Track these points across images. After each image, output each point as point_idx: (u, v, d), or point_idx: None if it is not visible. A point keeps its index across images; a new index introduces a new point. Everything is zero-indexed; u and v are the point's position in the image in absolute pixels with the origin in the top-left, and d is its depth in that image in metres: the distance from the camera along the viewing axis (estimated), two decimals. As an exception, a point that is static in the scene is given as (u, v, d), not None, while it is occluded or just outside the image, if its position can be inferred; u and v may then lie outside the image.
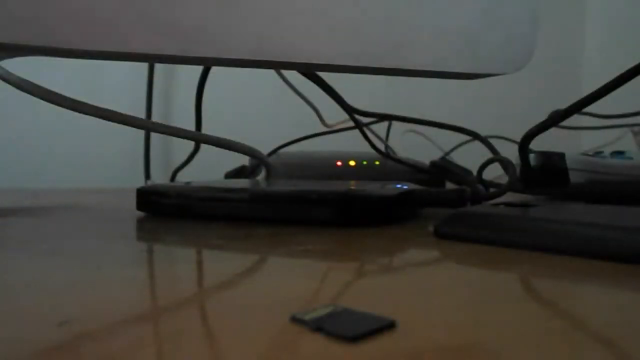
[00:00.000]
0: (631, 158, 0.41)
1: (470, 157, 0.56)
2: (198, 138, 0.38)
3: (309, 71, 0.40)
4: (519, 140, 0.32)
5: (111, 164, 0.71)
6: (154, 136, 0.72)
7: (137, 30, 0.23)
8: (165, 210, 0.31)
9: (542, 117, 0.32)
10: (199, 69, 0.42)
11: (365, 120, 0.49)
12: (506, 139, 0.64)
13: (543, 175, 0.39)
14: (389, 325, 0.12)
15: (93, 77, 0.70)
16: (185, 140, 0.44)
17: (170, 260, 0.20)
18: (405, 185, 0.31)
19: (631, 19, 0.87)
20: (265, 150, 0.47)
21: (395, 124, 0.56)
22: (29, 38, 0.21)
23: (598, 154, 0.44)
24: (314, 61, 0.25)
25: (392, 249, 0.21)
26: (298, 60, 0.25)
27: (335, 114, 0.53)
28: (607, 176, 0.40)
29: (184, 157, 0.53)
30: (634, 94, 0.50)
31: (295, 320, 0.12)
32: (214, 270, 0.18)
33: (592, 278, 0.16)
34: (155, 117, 0.73)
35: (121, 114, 0.32)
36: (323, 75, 0.39)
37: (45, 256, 0.20)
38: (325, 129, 0.56)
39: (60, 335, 0.11)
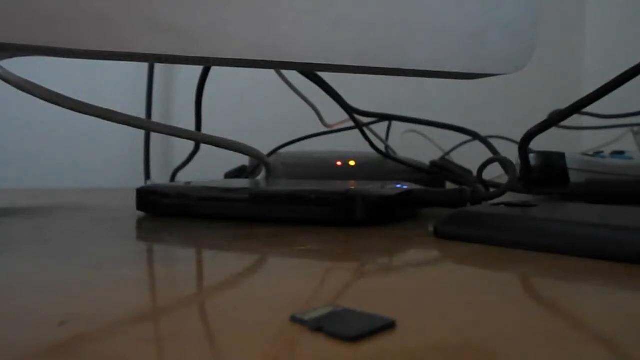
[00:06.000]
0: (631, 158, 0.41)
1: (470, 157, 0.56)
2: (198, 138, 0.38)
3: (309, 71, 0.40)
4: (519, 140, 0.32)
5: (111, 164, 0.71)
6: (154, 136, 0.72)
7: (137, 30, 0.23)
8: (165, 210, 0.31)
9: (542, 117, 0.32)
10: (199, 69, 0.42)
11: (365, 120, 0.49)
12: (506, 139, 0.64)
13: (543, 175, 0.39)
14: (389, 325, 0.12)
15: (93, 77, 0.70)
16: (185, 140, 0.44)
17: (170, 260, 0.20)
18: (405, 185, 0.31)
19: (631, 19, 0.87)
20: (265, 150, 0.47)
21: (395, 124, 0.56)
22: (29, 38, 0.21)
23: (598, 154, 0.44)
24: (314, 61, 0.25)
25: (392, 249, 0.21)
26: (298, 60, 0.25)
27: (335, 114, 0.53)
28: (607, 176, 0.40)
29: (184, 157, 0.53)
30: (634, 94, 0.50)
31: (295, 320, 0.12)
32: (214, 270, 0.18)
33: (592, 278, 0.16)
34: (155, 117, 0.73)
35: (121, 114, 0.32)
36: (323, 75, 0.39)
37: (45, 256, 0.20)
38: (325, 129, 0.56)
39: (60, 335, 0.11)
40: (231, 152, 0.38)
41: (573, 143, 0.85)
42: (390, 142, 0.60)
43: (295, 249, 0.21)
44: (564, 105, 0.30)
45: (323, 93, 0.41)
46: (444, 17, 0.27)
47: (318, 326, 0.11)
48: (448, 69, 0.27)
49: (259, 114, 0.76)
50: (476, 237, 0.22)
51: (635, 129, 0.61)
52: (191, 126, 0.42)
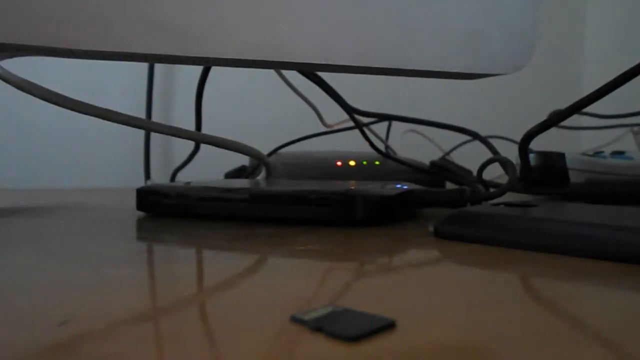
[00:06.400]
0: (631, 158, 0.41)
1: (470, 157, 0.56)
2: (198, 138, 0.38)
3: (309, 71, 0.40)
4: (519, 140, 0.32)
5: (111, 164, 0.71)
6: (154, 136, 0.72)
7: (137, 30, 0.23)
8: (165, 210, 0.31)
9: (542, 117, 0.32)
10: (199, 69, 0.42)
11: (365, 120, 0.49)
12: (506, 139, 0.64)
13: (543, 175, 0.39)
14: (389, 325, 0.12)
15: (93, 77, 0.70)
16: (185, 140, 0.44)
17: (170, 260, 0.20)
18: (405, 185, 0.31)
19: (631, 19, 0.86)
20: (265, 150, 0.47)
21: (395, 124, 0.56)
22: (29, 38, 0.21)
23: (598, 154, 0.44)
24: (314, 61, 0.25)
25: (392, 249, 0.21)
26: (298, 60, 0.25)
27: (335, 114, 0.53)
28: (607, 176, 0.40)
29: (184, 157, 0.53)
30: (634, 94, 0.50)
31: (295, 320, 0.12)
32: (214, 270, 0.18)
33: (592, 278, 0.16)
34: (155, 117, 0.73)
35: (121, 114, 0.32)
36: (323, 75, 0.39)
37: (45, 256, 0.20)
38: (325, 129, 0.56)
39: (60, 335, 0.11)
40: (231, 152, 0.38)
41: (573, 143, 0.85)
42: (390, 142, 0.60)
43: (295, 249, 0.21)
44: (564, 105, 0.30)
45: (323, 93, 0.41)
46: (444, 17, 0.27)
47: (318, 326, 0.11)
48: (448, 69, 0.27)
49: (259, 114, 0.76)
50: (476, 237, 0.22)
51: (635, 129, 0.61)
52: (191, 126, 0.42)
